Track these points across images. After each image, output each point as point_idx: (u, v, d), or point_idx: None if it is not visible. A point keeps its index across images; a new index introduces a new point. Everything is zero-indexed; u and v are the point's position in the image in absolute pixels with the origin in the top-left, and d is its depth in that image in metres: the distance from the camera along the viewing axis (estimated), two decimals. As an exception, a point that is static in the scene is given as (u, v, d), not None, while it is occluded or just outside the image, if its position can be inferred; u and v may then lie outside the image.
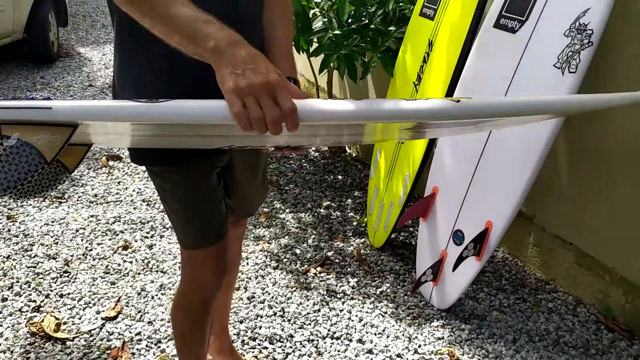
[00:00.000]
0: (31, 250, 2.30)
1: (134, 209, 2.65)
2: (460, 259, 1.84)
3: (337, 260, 2.31)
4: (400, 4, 2.58)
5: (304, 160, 3.22)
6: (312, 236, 2.48)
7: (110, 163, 3.08)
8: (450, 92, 2.02)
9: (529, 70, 1.76)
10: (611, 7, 1.56)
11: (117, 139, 1.11)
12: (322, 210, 2.71)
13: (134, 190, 2.81)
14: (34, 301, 2.01)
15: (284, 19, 1.22)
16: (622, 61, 1.81)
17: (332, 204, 2.76)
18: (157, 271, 2.20)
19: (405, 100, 0.88)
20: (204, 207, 1.24)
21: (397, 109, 0.87)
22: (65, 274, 2.16)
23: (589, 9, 1.60)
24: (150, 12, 0.90)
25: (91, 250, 2.32)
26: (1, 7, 4.19)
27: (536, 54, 1.75)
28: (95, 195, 2.76)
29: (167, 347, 1.82)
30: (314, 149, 3.36)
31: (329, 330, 1.92)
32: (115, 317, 1.94)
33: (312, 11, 2.84)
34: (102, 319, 1.93)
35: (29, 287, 2.09)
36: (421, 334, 1.92)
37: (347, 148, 3.39)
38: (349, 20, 2.57)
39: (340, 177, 3.05)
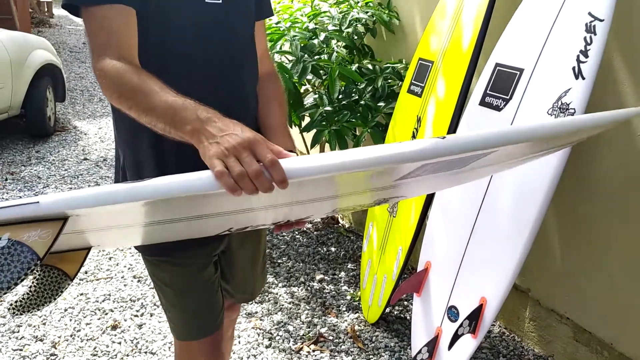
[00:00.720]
0: (18, 331, 2.25)
1: (125, 285, 2.61)
2: (456, 337, 1.81)
3: (330, 337, 2.26)
4: (389, 81, 2.67)
5: (297, 232, 3.22)
6: (306, 311, 2.44)
7: (102, 238, 3.06)
8: (439, 168, 2.04)
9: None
10: (590, 88, 1.61)
11: (113, 237, 1.10)
12: (315, 284, 2.68)
13: (125, 266, 2.78)
14: (18, 387, 1.94)
15: (277, 97, 1.28)
16: (605, 140, 1.85)
17: (326, 277, 2.73)
18: (146, 352, 2.14)
19: (390, 144, 0.88)
20: (200, 298, 1.22)
21: (385, 154, 0.85)
22: (52, 357, 2.10)
23: (570, 89, 1.65)
24: (135, 105, 0.95)
25: (79, 330, 2.27)
26: (1, 84, 4.28)
27: (521, 131, 1.79)
28: (86, 272, 2.72)
29: None
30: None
31: (323, 413, 1.86)
32: (101, 403, 1.87)
33: (303, 87, 2.92)
34: (88, 405, 1.87)
35: (14, 371, 2.02)
36: (418, 416, 1.85)
37: (340, 219, 3.39)
38: (340, 97, 2.64)
39: (333, 248, 3.04)
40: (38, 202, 0.77)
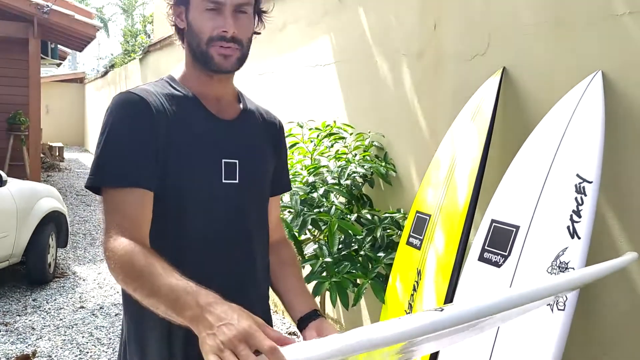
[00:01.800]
0: None
1: None
2: None
3: None
4: (388, 231, 2.70)
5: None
6: None
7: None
8: (442, 324, 1.99)
9: (518, 305, 1.76)
10: (587, 247, 1.63)
11: None
12: None
13: None
14: None
15: (292, 261, 1.36)
16: (605, 300, 1.83)
17: None
18: None
19: (387, 322, 0.86)
20: None
21: (383, 336, 0.84)
22: None
23: (567, 248, 1.66)
24: (140, 287, 0.97)
25: None
26: (4, 232, 4.33)
27: (523, 288, 1.77)
28: None
29: None
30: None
31: None
32: None
33: (304, 236, 2.95)
34: None
35: None
36: None
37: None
38: (340, 247, 2.65)
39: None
40: None
